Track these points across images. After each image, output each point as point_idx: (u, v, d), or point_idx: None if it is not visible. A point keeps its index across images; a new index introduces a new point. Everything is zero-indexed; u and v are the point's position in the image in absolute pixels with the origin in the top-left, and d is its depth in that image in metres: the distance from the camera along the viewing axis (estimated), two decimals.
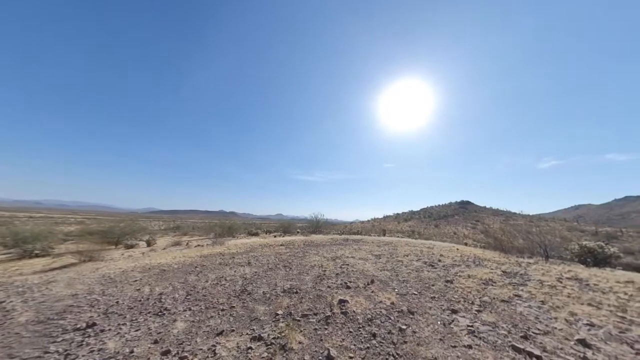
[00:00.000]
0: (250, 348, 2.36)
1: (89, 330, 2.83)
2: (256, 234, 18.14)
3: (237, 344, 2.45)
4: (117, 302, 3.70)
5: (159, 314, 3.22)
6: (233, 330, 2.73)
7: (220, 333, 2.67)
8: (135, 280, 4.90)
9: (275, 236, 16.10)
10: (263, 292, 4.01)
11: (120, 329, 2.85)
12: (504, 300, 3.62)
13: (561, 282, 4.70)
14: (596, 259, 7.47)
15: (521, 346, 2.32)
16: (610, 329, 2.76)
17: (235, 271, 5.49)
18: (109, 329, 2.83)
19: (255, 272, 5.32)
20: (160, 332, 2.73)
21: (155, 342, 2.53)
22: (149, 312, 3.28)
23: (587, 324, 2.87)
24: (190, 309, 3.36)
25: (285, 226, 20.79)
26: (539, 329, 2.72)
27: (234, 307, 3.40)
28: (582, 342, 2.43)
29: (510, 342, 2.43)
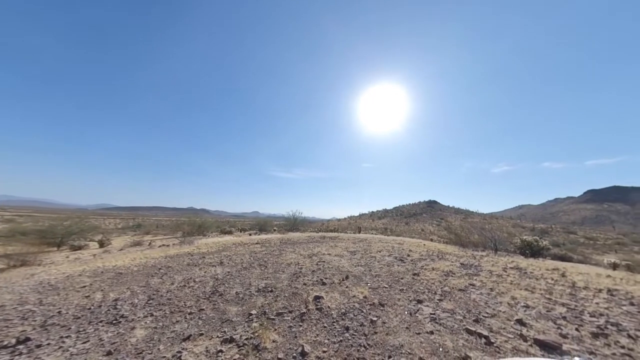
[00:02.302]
0: (221, 351, 2.26)
1: (20, 346, 2.40)
2: (230, 232, 17.30)
3: (207, 348, 2.33)
4: (59, 312, 3.20)
5: (114, 322, 2.88)
6: (202, 334, 2.57)
7: (187, 338, 2.50)
8: (84, 286, 4.30)
9: (250, 234, 15.56)
10: (236, 292, 3.85)
11: (64, 342, 2.48)
12: (461, 289, 4.06)
13: (506, 272, 5.45)
14: (532, 251, 8.83)
15: (473, 329, 2.63)
16: (540, 309, 3.30)
17: (205, 272, 5.17)
18: (48, 344, 2.44)
19: (228, 272, 5.08)
20: (114, 343, 2.44)
21: (109, 353, 2.26)
22: (100, 321, 2.91)
23: (524, 306, 3.39)
24: (152, 315, 3.07)
25: (262, 224, 20.21)
26: (487, 313, 3.12)
27: (203, 309, 3.21)
28: (520, 322, 2.85)
29: (464, 325, 2.74)
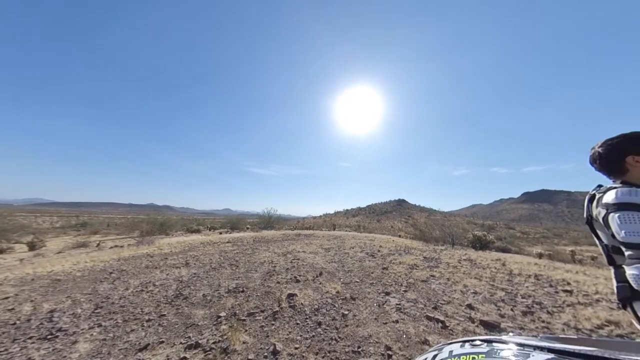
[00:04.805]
0: (185, 358, 2.10)
1: None
2: (197, 231, 16.10)
3: (167, 356, 2.14)
4: None
5: (49, 337, 2.46)
6: (162, 342, 2.36)
7: (145, 347, 2.26)
8: (6, 298, 3.57)
9: (221, 233, 14.70)
10: (203, 294, 3.62)
11: None
12: (423, 280, 4.46)
13: (460, 263, 6.16)
14: (481, 244, 10.16)
15: (432, 315, 2.92)
16: (485, 294, 3.81)
17: (167, 274, 4.73)
18: None
19: (195, 274, 4.74)
20: None
21: None
22: (29, 337, 2.45)
23: (473, 292, 3.88)
24: (100, 325, 2.70)
25: (234, 222, 19.23)
26: (444, 300, 3.49)
27: (164, 315, 2.94)
28: (469, 306, 3.26)
29: (425, 313, 3.02)
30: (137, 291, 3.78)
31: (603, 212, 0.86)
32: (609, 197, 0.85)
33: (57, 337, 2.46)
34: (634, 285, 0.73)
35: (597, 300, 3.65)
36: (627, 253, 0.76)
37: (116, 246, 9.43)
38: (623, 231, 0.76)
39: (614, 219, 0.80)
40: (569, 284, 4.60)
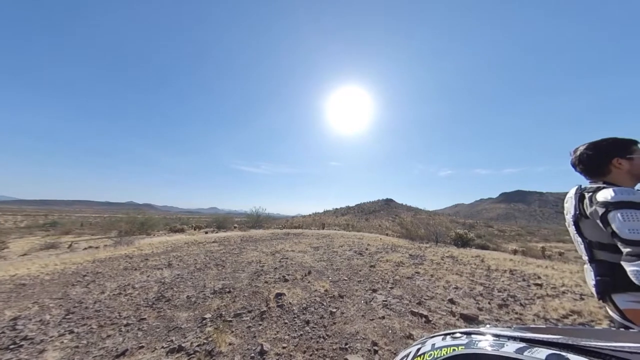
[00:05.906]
0: None
1: None
2: (181, 231, 15.47)
3: None
4: None
5: (11, 347, 2.25)
6: (142, 347, 2.25)
7: (123, 354, 2.14)
8: None
9: (206, 232, 14.24)
10: (187, 296, 3.49)
11: None
12: (408, 277, 4.62)
13: (443, 260, 6.44)
14: (463, 242, 10.69)
15: (416, 310, 3.03)
16: (465, 289, 4.02)
17: (148, 276, 4.51)
18: None
19: (178, 275, 4.56)
20: None
21: None
22: None
23: (454, 288, 4.07)
24: (71, 332, 2.52)
25: (220, 221, 18.66)
26: (427, 296, 3.63)
27: (144, 319, 2.80)
28: (451, 301, 3.42)
29: (410, 308, 3.13)
30: (114, 294, 3.57)
31: (601, 210, 0.85)
32: (607, 195, 0.85)
33: (21, 346, 2.26)
34: (636, 281, 0.74)
35: (563, 292, 3.97)
36: (626, 250, 0.77)
37: (91, 247, 8.81)
38: (626, 229, 0.76)
39: (615, 216, 0.80)
40: (539, 277, 4.96)
